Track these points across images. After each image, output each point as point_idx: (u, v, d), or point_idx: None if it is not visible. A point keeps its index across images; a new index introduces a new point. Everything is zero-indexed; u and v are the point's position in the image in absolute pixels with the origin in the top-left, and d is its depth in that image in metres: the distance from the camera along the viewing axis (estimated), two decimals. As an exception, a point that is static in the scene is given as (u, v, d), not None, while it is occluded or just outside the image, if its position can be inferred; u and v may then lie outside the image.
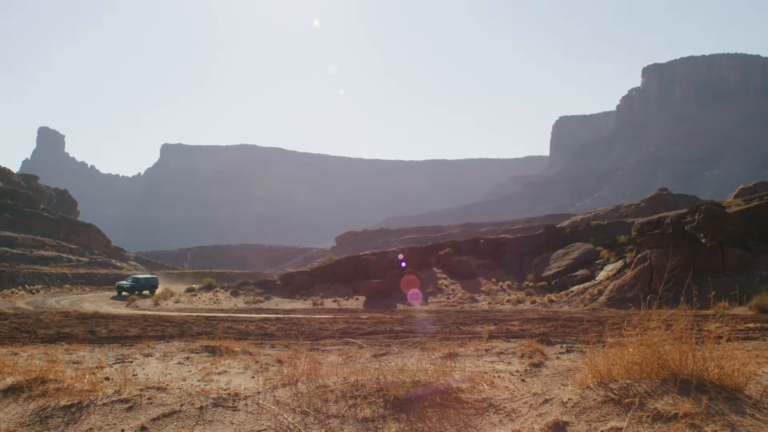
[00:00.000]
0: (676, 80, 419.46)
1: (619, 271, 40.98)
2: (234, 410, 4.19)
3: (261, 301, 50.47)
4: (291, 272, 65.52)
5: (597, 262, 47.00)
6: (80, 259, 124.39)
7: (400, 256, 59.66)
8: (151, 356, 7.47)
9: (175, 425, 3.96)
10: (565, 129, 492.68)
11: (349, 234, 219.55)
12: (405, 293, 49.52)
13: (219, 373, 5.12)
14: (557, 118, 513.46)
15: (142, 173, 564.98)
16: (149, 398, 4.33)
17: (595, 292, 39.00)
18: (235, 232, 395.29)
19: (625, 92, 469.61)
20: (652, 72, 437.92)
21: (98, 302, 49.42)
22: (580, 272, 45.85)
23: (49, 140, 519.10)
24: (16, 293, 63.56)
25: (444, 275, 53.12)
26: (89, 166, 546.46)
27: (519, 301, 42.23)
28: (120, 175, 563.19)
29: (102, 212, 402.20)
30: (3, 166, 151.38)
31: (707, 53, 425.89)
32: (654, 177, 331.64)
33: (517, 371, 6.19)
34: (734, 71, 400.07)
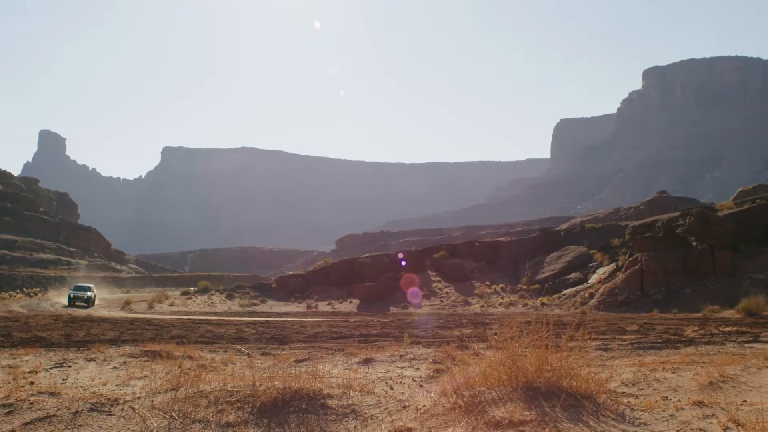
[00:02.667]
0: (676, 83, 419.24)
1: (611, 274, 41.07)
2: (108, 415, 4.35)
3: (256, 304, 50.54)
4: (287, 275, 65.63)
5: (590, 265, 47.08)
6: (80, 262, 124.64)
7: (400, 255, 59.93)
8: (93, 360, 7.62)
9: (45, 429, 4.10)
10: (566, 131, 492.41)
11: (349, 237, 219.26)
12: (401, 294, 49.67)
13: (140, 378, 5.26)
14: (558, 121, 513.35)
15: (143, 176, 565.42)
16: (32, 403, 4.48)
17: (587, 295, 39.09)
18: (236, 235, 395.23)
19: (626, 95, 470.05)
20: (652, 74, 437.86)
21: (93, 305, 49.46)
22: (573, 275, 45.96)
23: (50, 143, 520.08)
24: (14, 296, 63.73)
25: (438, 278, 53.22)
26: (90, 168, 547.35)
27: (511, 305, 42.32)
28: (121, 177, 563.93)
29: (103, 215, 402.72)
30: (3, 169, 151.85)
31: (708, 56, 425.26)
32: (655, 179, 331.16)
33: (420, 377, 6.32)
34: (735, 74, 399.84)
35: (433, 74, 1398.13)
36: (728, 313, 28.34)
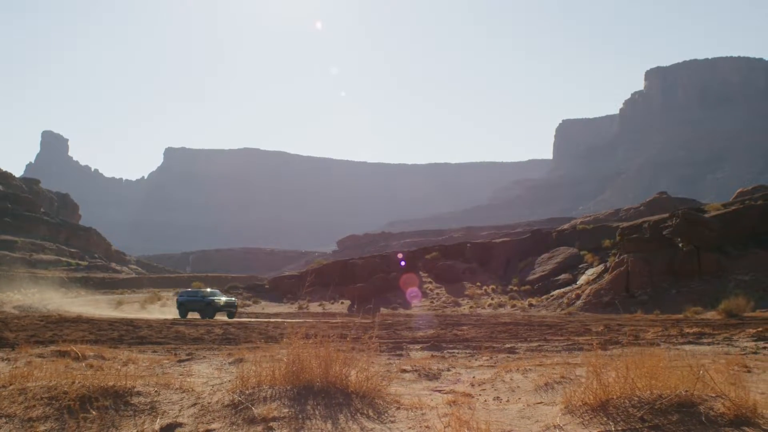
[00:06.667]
0: (678, 83, 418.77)
1: (599, 276, 41.17)
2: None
3: (248, 305, 50.78)
4: (280, 276, 65.85)
5: (580, 266, 47.20)
6: (80, 263, 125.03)
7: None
8: (7, 360, 7.90)
9: None
10: (568, 132, 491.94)
11: (350, 238, 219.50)
12: (392, 295, 49.86)
13: (24, 377, 5.50)
14: (560, 122, 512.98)
15: (145, 177, 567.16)
16: None
17: (573, 296, 39.18)
18: (238, 236, 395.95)
19: (628, 95, 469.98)
20: (654, 75, 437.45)
21: (87, 306, 49.68)
22: (562, 276, 46.09)
23: (53, 144, 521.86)
24: (12, 297, 63.97)
25: (430, 279, 53.37)
26: (93, 169, 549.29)
27: (500, 306, 42.44)
28: (123, 178, 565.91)
29: (105, 216, 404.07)
30: (4, 169, 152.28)
31: (710, 56, 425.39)
32: (657, 180, 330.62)
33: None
34: (737, 74, 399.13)
35: (434, 74, 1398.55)
36: (710, 315, 28.40)
